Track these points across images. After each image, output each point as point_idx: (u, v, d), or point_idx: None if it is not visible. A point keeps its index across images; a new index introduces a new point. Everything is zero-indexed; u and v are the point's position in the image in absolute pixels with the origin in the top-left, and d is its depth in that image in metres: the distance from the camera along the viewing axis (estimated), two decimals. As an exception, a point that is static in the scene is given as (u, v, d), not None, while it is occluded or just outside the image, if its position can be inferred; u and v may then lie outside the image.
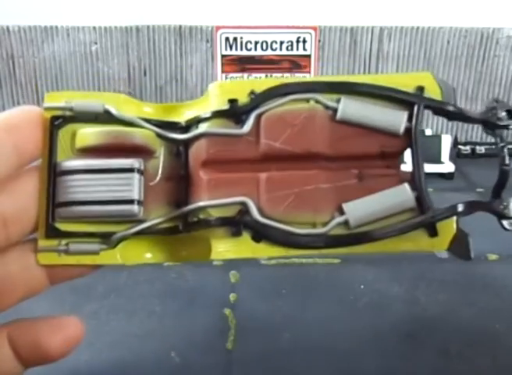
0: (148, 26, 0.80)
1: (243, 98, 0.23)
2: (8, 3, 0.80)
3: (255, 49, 0.79)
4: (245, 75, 0.81)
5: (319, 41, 0.80)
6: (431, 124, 0.85)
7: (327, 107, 0.23)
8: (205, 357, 0.38)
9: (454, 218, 0.23)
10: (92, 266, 0.23)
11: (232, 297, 0.45)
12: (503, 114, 0.24)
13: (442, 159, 0.73)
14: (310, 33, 0.79)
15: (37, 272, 0.23)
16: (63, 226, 0.22)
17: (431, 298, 0.45)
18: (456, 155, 0.75)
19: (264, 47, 0.79)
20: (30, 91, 0.83)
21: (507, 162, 0.23)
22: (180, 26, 0.81)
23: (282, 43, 0.79)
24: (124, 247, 0.23)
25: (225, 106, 0.23)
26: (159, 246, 0.24)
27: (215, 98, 0.23)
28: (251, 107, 0.23)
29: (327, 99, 0.23)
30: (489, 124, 0.24)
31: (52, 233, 0.22)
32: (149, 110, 0.24)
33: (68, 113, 0.23)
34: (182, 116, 0.24)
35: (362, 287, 0.47)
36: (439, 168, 0.72)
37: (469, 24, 0.81)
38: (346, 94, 0.23)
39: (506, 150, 0.23)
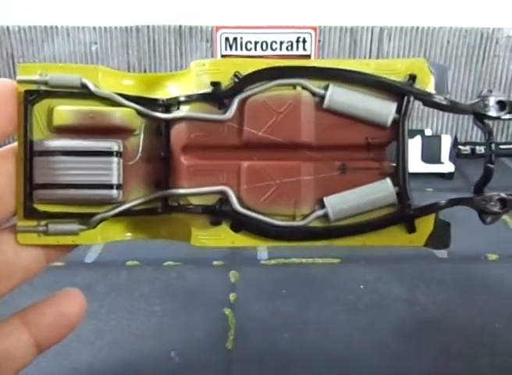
0: (148, 26, 0.80)
1: (226, 81, 0.22)
2: (8, 3, 0.80)
3: (255, 49, 0.79)
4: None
5: (319, 41, 0.80)
6: (431, 124, 0.85)
7: (314, 94, 0.23)
8: (205, 357, 0.38)
9: (433, 215, 0.23)
10: (73, 245, 0.23)
11: (232, 297, 0.45)
12: (493, 104, 0.23)
13: (442, 159, 0.73)
14: (310, 33, 0.79)
15: (34, 251, 0.22)
16: (42, 207, 0.22)
17: (431, 298, 0.45)
18: (456, 155, 0.75)
19: (264, 47, 0.79)
20: (30, 90, 0.83)
21: (493, 159, 0.23)
22: (180, 26, 0.81)
23: (282, 43, 0.79)
24: (104, 227, 0.23)
25: (208, 89, 0.22)
26: (139, 226, 0.24)
27: (195, 78, 0.23)
28: (235, 91, 0.22)
29: (314, 86, 0.23)
30: (479, 115, 0.23)
31: (31, 213, 0.22)
32: (129, 83, 0.23)
33: (43, 87, 0.22)
34: (164, 90, 0.23)
35: (362, 287, 0.47)
36: (438, 168, 0.72)
37: (469, 24, 0.81)
38: (335, 80, 0.23)
39: (493, 146, 0.23)
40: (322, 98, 0.22)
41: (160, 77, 0.24)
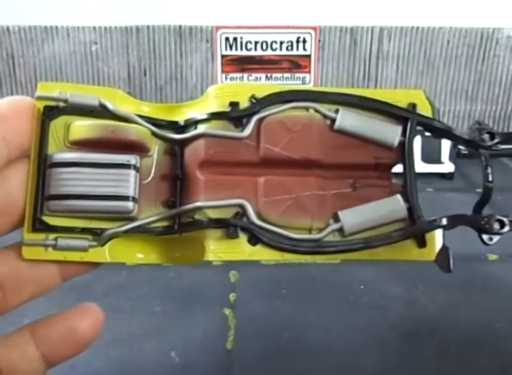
0: (148, 26, 0.80)
1: (243, 102, 0.23)
2: (8, 3, 0.80)
3: (255, 49, 0.79)
4: (245, 75, 0.81)
5: (319, 41, 0.80)
6: (431, 124, 0.85)
7: (325, 116, 0.24)
8: (205, 357, 0.38)
9: (441, 230, 0.24)
10: (80, 262, 0.22)
11: (232, 297, 0.45)
12: (486, 135, 0.25)
13: (442, 159, 0.73)
14: (310, 33, 0.79)
15: (49, 267, 0.22)
16: (51, 220, 0.22)
17: (431, 298, 0.45)
18: (456, 155, 0.75)
19: (264, 47, 0.79)
20: (30, 90, 0.83)
21: (491, 179, 0.24)
22: (180, 26, 0.81)
23: (282, 43, 0.79)
24: (114, 245, 0.23)
25: (227, 108, 0.23)
26: (151, 246, 0.24)
27: (214, 100, 0.23)
28: (252, 111, 0.23)
29: (326, 109, 0.24)
30: (474, 144, 0.25)
31: (39, 226, 0.21)
32: (147, 109, 0.24)
33: (61, 104, 0.22)
34: (181, 116, 0.24)
35: (362, 287, 0.47)
36: (439, 168, 0.72)
37: (469, 24, 0.81)
38: (344, 105, 0.24)
39: (490, 169, 0.24)
40: (333, 120, 0.24)
41: (177, 106, 0.24)
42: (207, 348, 0.39)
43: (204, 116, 0.23)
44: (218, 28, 0.78)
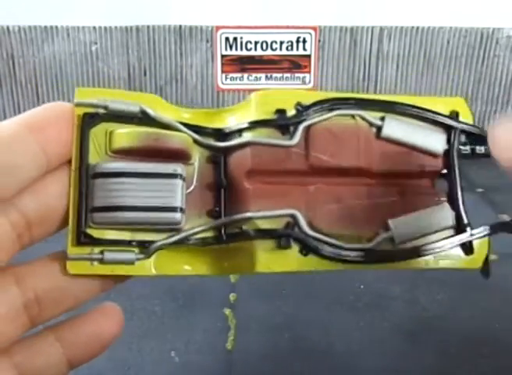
0: (148, 26, 0.80)
1: (289, 110, 0.23)
2: (8, 3, 0.80)
3: (255, 49, 0.79)
4: (245, 75, 0.81)
5: (319, 41, 0.80)
6: (431, 124, 0.85)
7: (371, 124, 0.24)
8: (205, 357, 0.38)
9: (487, 238, 0.24)
10: (127, 276, 0.21)
11: (232, 297, 0.45)
12: None
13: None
14: (310, 33, 0.79)
15: (91, 281, 0.21)
16: (96, 233, 0.21)
17: (431, 297, 0.45)
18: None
19: (264, 47, 0.79)
20: (30, 90, 0.83)
21: None
22: (180, 26, 0.81)
23: (282, 43, 0.79)
24: (159, 257, 0.22)
25: (272, 116, 0.23)
26: (197, 257, 0.23)
27: (258, 107, 0.23)
28: (300, 119, 0.23)
29: (372, 117, 0.24)
30: None
31: (84, 240, 0.20)
32: (187, 116, 0.23)
33: (101, 111, 0.21)
34: (223, 122, 0.23)
35: (362, 287, 0.47)
36: (438, 168, 0.72)
37: (469, 24, 0.81)
38: (390, 113, 0.24)
39: None
40: (379, 128, 0.23)
41: (218, 112, 0.24)
42: (207, 348, 0.39)
43: (250, 124, 0.22)
44: (218, 28, 0.78)
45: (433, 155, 0.23)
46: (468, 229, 0.23)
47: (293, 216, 0.22)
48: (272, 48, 0.80)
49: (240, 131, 0.22)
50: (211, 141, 0.22)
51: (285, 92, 0.23)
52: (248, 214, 0.21)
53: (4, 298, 0.20)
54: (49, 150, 0.20)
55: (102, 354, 0.38)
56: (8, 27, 0.79)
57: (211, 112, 0.23)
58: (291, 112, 0.23)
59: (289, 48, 0.80)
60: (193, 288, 0.46)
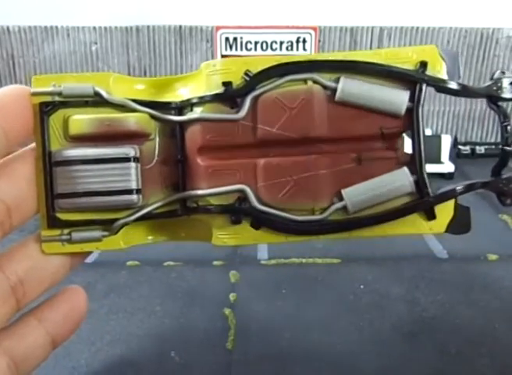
0: (148, 26, 0.80)
1: (237, 80, 0.22)
2: (8, 3, 0.80)
3: (255, 49, 0.79)
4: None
5: (319, 41, 0.80)
6: (431, 124, 0.85)
7: (325, 87, 0.23)
8: (205, 357, 0.38)
9: (452, 201, 0.23)
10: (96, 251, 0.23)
11: (232, 297, 0.45)
12: (507, 85, 0.23)
13: (442, 159, 0.73)
14: (310, 34, 0.79)
15: (61, 257, 0.23)
16: (64, 216, 0.22)
17: (431, 298, 0.45)
18: (456, 155, 0.75)
19: (264, 47, 0.79)
20: (30, 90, 0.83)
21: (510, 141, 0.23)
22: (180, 26, 0.81)
23: (282, 43, 0.79)
24: (125, 232, 0.23)
25: (220, 90, 0.22)
26: (160, 228, 0.24)
27: (207, 79, 0.23)
28: (246, 90, 0.22)
29: (325, 79, 0.23)
30: (493, 97, 0.23)
31: (54, 223, 0.22)
32: (141, 87, 0.24)
33: (57, 98, 0.22)
34: (175, 93, 0.23)
35: (362, 287, 0.47)
36: (439, 168, 0.72)
37: (469, 24, 0.81)
38: (346, 72, 0.23)
39: (509, 129, 0.23)
40: (334, 90, 0.22)
41: (170, 80, 0.24)
42: (207, 348, 0.39)
43: (199, 99, 0.22)
44: (218, 28, 0.78)
45: (394, 115, 0.22)
46: (428, 194, 0.22)
47: (242, 191, 0.22)
48: (271, 48, 0.80)
49: (191, 105, 0.22)
50: (167, 115, 0.22)
51: (233, 61, 0.23)
52: (198, 192, 0.22)
53: None
54: (9, 131, 0.21)
55: (102, 354, 0.39)
56: (8, 27, 0.79)
57: (164, 80, 0.24)
58: (239, 83, 0.22)
59: (289, 48, 0.80)
60: (193, 288, 0.46)
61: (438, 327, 0.42)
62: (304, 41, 0.79)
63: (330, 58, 0.23)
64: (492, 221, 0.60)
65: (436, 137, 0.75)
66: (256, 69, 0.22)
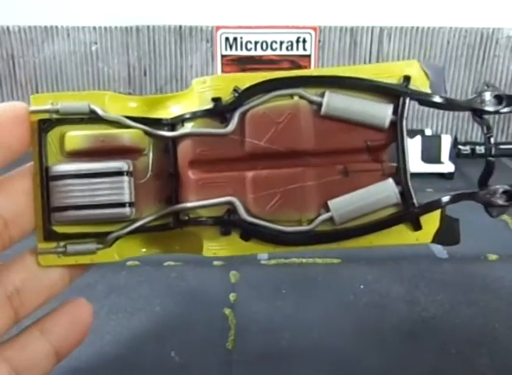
0: (148, 26, 0.80)
1: (226, 96, 0.23)
2: (8, 3, 0.80)
3: (255, 49, 0.79)
4: (245, 75, 0.80)
5: (319, 41, 0.80)
6: (431, 124, 0.85)
7: (311, 102, 0.23)
8: (205, 357, 0.38)
9: (438, 211, 0.23)
10: (92, 264, 0.24)
11: (232, 297, 0.45)
12: (489, 98, 0.23)
13: (442, 159, 0.73)
14: (310, 33, 0.79)
15: (58, 270, 0.23)
16: (60, 229, 0.23)
17: (431, 298, 0.45)
18: (456, 155, 0.75)
19: (264, 47, 0.79)
20: (30, 91, 0.83)
21: (493, 153, 0.23)
22: (180, 26, 0.81)
23: (282, 43, 0.79)
24: (119, 245, 0.24)
25: (209, 105, 0.23)
26: (153, 241, 0.25)
27: (198, 96, 0.23)
28: (235, 105, 0.23)
29: (311, 94, 0.23)
30: (476, 110, 0.24)
31: (50, 235, 0.23)
32: (134, 105, 0.24)
33: (54, 116, 0.23)
34: (167, 111, 0.24)
35: (362, 287, 0.47)
36: (438, 168, 0.72)
37: (469, 24, 0.81)
38: (331, 87, 0.23)
39: (491, 140, 0.23)
40: (320, 105, 0.23)
41: (162, 98, 0.25)
42: (207, 348, 0.39)
43: (190, 114, 0.23)
44: (218, 28, 0.78)
45: (378, 128, 0.23)
46: (413, 204, 0.23)
47: (231, 203, 0.23)
48: (271, 48, 0.80)
49: (183, 121, 0.23)
50: (160, 132, 0.23)
51: (223, 77, 0.24)
52: (188, 204, 0.23)
53: None
54: (6, 146, 0.22)
55: (102, 354, 0.39)
56: (8, 27, 0.79)
57: (156, 98, 0.24)
58: (228, 98, 0.23)
59: (289, 48, 0.80)
60: (193, 288, 0.46)
61: (438, 327, 0.42)
62: (304, 40, 0.79)
63: (315, 73, 0.23)
64: (492, 221, 0.59)
65: (436, 137, 0.75)
66: (244, 85, 0.23)
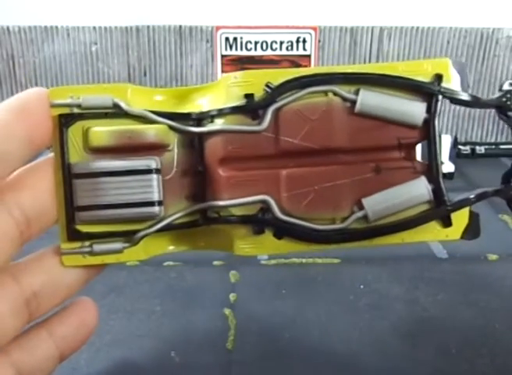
0: (148, 26, 0.80)
1: (258, 92, 0.23)
2: (8, 3, 0.80)
3: (255, 49, 0.79)
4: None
5: (319, 41, 0.80)
6: (431, 124, 0.85)
7: (345, 99, 0.23)
8: (205, 357, 0.38)
9: (467, 208, 0.24)
10: (118, 263, 0.23)
11: (232, 297, 0.45)
12: None
13: (442, 159, 0.73)
14: (310, 33, 0.79)
15: (77, 270, 0.23)
16: (84, 228, 0.22)
17: (431, 298, 0.45)
18: (456, 155, 0.75)
19: (264, 47, 0.79)
20: (30, 91, 0.83)
21: None
22: (180, 26, 0.81)
23: (282, 43, 0.79)
24: (146, 243, 0.23)
25: (242, 102, 0.23)
26: (180, 238, 0.24)
27: (228, 91, 0.23)
28: (268, 102, 0.23)
29: (345, 91, 0.23)
30: (503, 108, 0.24)
31: (74, 235, 0.22)
32: (160, 98, 0.24)
33: (76, 110, 0.22)
34: (193, 104, 0.23)
35: (362, 287, 0.47)
36: (438, 168, 0.71)
37: (469, 24, 0.81)
38: (365, 85, 0.23)
39: None
40: (353, 102, 0.23)
41: (188, 91, 0.24)
42: (207, 348, 0.39)
43: (220, 111, 0.23)
44: (218, 28, 0.78)
45: (411, 126, 0.23)
46: (445, 202, 0.23)
47: (264, 202, 0.22)
48: (272, 48, 0.80)
49: (212, 117, 0.22)
50: (186, 126, 0.22)
51: (254, 73, 0.23)
52: (220, 203, 0.22)
53: (6, 295, 0.20)
54: (34, 136, 0.21)
55: (102, 354, 0.39)
56: (8, 27, 0.79)
57: (183, 90, 0.24)
58: (260, 95, 0.23)
59: (289, 48, 0.80)
60: (193, 288, 0.46)
61: (438, 327, 0.42)
62: (304, 40, 0.79)
63: (349, 70, 0.23)
64: (492, 221, 0.59)
65: (436, 137, 0.74)
66: (276, 81, 0.23)
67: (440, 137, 0.23)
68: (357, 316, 0.43)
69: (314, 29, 0.78)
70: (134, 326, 0.42)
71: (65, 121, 0.22)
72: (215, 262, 0.50)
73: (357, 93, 0.23)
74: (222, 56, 0.79)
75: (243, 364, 0.38)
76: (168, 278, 0.48)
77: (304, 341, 0.40)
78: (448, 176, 0.72)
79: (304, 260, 0.51)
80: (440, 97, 0.23)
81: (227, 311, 0.43)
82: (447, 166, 0.72)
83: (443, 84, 0.23)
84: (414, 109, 0.23)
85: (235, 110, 0.23)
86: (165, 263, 0.50)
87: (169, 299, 0.45)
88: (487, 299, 0.45)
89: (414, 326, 0.42)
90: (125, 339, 0.40)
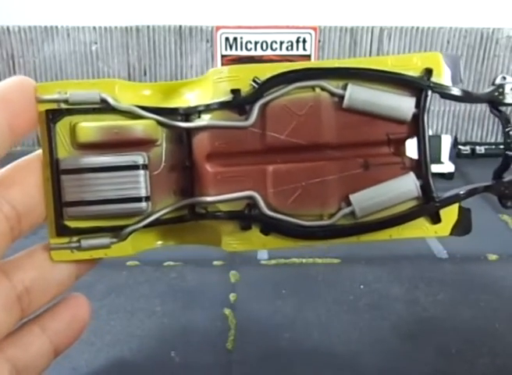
0: (148, 26, 0.80)
1: (245, 87, 0.23)
2: (8, 3, 0.80)
3: (255, 49, 0.79)
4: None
5: (319, 41, 0.80)
6: (431, 124, 0.85)
7: (333, 94, 0.23)
8: (205, 357, 0.38)
9: (456, 204, 0.24)
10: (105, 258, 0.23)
11: (232, 297, 0.45)
12: (509, 91, 0.23)
13: (442, 159, 0.73)
14: (310, 33, 0.79)
15: (67, 266, 0.23)
16: (72, 224, 0.22)
17: (431, 298, 0.45)
18: (456, 155, 0.75)
19: (264, 47, 0.79)
20: (30, 90, 0.83)
21: None
22: (180, 26, 0.81)
23: (282, 43, 0.79)
24: (134, 238, 0.23)
25: (227, 96, 0.23)
26: (168, 233, 0.24)
27: (214, 86, 0.23)
28: (255, 97, 0.22)
29: (333, 86, 0.23)
30: (495, 103, 0.24)
31: (62, 231, 0.22)
32: (147, 93, 0.24)
33: (63, 105, 0.22)
34: (181, 98, 0.23)
35: (362, 287, 0.47)
36: (438, 168, 0.72)
37: (469, 24, 0.81)
38: (353, 79, 0.23)
39: (511, 133, 0.23)
40: (341, 97, 0.23)
41: (176, 85, 0.24)
42: (207, 348, 0.39)
43: (207, 106, 0.23)
44: (218, 28, 0.78)
45: (400, 121, 0.23)
46: (434, 198, 0.23)
47: (251, 198, 0.22)
48: (272, 48, 0.80)
49: (199, 112, 0.22)
50: (174, 122, 0.22)
51: (241, 68, 0.23)
52: (208, 199, 0.22)
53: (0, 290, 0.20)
54: (15, 124, 0.21)
55: (102, 354, 0.39)
56: (8, 27, 0.79)
57: (170, 84, 0.24)
58: (247, 90, 0.22)
59: (289, 48, 0.80)
60: (193, 288, 0.46)
61: (438, 327, 0.42)
62: (304, 40, 0.79)
63: (337, 65, 0.23)
64: (492, 221, 0.59)
65: (436, 137, 0.75)
66: (264, 76, 0.22)
67: (428, 132, 0.23)
68: (357, 316, 0.43)
69: (314, 29, 0.78)
70: (134, 326, 0.42)
71: (52, 116, 0.22)
72: (215, 262, 0.50)
73: (345, 88, 0.23)
74: (222, 56, 0.79)
75: (243, 364, 0.38)
76: (168, 278, 0.48)
77: (304, 341, 0.40)
78: (448, 176, 0.72)
79: (303, 260, 0.51)
80: (430, 92, 0.23)
81: (227, 311, 0.43)
82: (447, 166, 0.72)
83: (433, 79, 0.23)
84: (403, 104, 0.23)
85: (222, 105, 0.22)
86: (165, 263, 0.50)
87: (169, 299, 0.45)
88: (487, 299, 0.45)
89: (414, 326, 0.42)
90: (125, 339, 0.40)
